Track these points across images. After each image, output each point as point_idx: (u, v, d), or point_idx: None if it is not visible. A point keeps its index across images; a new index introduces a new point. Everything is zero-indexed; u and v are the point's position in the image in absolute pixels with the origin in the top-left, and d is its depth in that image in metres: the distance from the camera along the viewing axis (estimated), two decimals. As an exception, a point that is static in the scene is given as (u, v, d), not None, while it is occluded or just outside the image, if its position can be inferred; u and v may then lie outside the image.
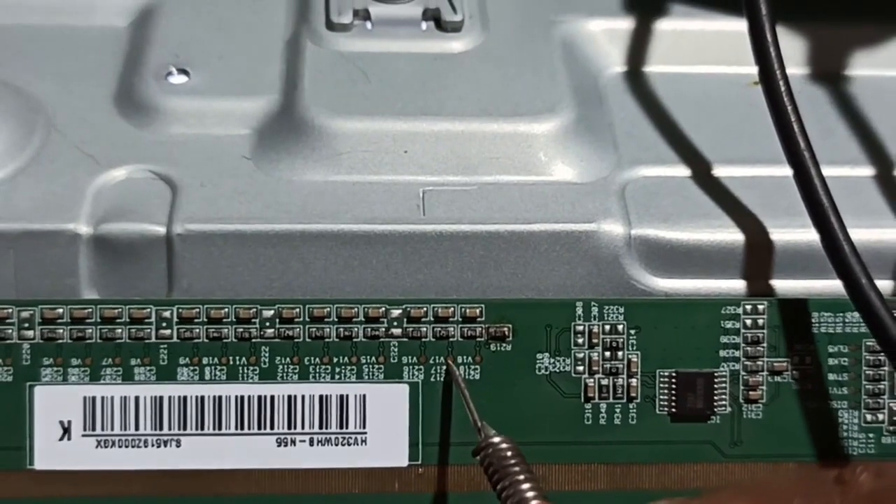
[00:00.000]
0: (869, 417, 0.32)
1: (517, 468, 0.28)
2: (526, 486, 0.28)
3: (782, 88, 0.32)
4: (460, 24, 0.36)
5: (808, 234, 0.32)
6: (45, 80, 0.35)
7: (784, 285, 0.33)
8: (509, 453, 0.29)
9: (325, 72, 0.35)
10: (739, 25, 0.35)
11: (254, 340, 0.31)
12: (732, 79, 0.37)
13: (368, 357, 0.32)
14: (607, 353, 0.32)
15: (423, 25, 0.37)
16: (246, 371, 0.31)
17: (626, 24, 0.38)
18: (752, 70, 0.35)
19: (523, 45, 0.37)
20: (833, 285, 0.32)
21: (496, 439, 0.29)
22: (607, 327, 0.32)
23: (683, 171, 0.34)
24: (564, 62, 0.36)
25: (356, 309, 0.31)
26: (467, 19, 0.37)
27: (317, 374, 0.31)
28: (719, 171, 0.34)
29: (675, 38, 0.38)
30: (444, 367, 0.31)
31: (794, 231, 0.33)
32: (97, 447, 0.31)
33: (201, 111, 0.35)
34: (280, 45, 0.37)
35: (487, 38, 0.37)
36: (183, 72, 0.35)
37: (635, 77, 0.37)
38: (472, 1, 0.37)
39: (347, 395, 0.31)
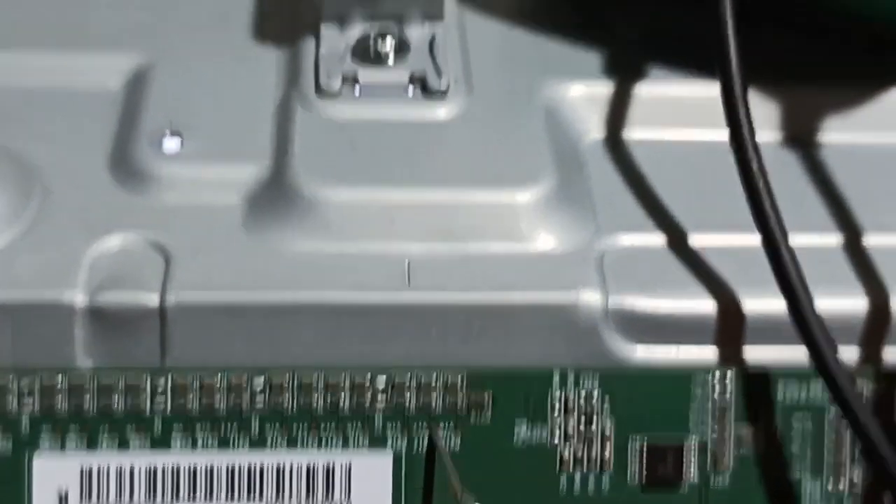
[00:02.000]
0: (830, 487, 0.33)
1: None
2: None
3: (752, 159, 0.34)
4: (445, 91, 0.38)
5: (779, 304, 0.33)
6: (40, 144, 0.36)
7: (755, 352, 0.34)
8: None
9: (315, 139, 0.36)
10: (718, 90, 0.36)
11: (244, 410, 0.33)
12: (711, 144, 0.38)
13: (354, 425, 0.33)
14: (583, 420, 0.33)
15: (410, 91, 0.38)
16: (237, 440, 0.33)
17: (606, 89, 0.39)
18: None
19: (507, 110, 0.38)
20: (803, 351, 0.33)
21: None
22: (583, 395, 0.33)
23: (660, 240, 0.35)
24: (546, 128, 0.37)
25: (343, 378, 0.33)
26: (452, 84, 0.38)
27: (304, 442, 0.33)
28: (695, 240, 0.35)
29: (654, 103, 0.39)
30: (427, 435, 0.33)
31: (765, 300, 0.34)
32: (93, 516, 0.32)
33: (194, 178, 0.36)
34: (271, 108, 0.38)
35: (472, 103, 0.38)
36: (177, 134, 0.36)
37: (615, 142, 0.38)
38: (457, 64, 0.38)
39: (333, 465, 0.33)
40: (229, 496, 0.32)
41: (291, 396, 0.33)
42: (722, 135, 0.37)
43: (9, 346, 0.33)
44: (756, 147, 0.34)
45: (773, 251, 0.33)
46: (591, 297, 0.34)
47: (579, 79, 0.39)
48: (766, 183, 0.33)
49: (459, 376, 0.33)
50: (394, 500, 0.33)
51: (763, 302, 0.34)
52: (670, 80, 0.39)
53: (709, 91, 0.38)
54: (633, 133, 0.39)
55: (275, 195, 0.35)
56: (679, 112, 0.39)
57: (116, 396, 0.33)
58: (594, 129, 0.39)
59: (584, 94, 0.39)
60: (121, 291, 0.33)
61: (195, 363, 0.33)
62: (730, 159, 0.36)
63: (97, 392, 0.32)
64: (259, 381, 0.33)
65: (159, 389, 0.32)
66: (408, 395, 0.33)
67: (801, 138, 0.39)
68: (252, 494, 0.32)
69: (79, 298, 0.33)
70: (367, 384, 0.33)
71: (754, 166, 0.34)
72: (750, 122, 0.34)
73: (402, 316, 0.33)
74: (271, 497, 0.32)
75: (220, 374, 0.33)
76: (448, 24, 0.39)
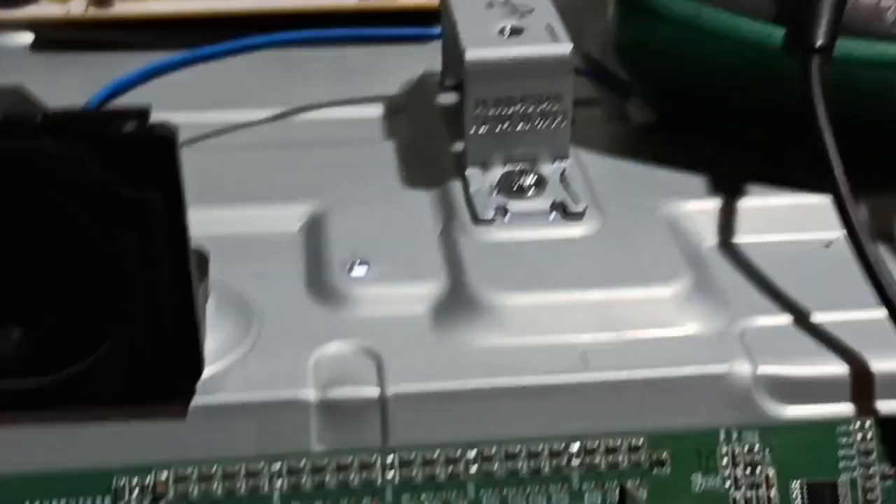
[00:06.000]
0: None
1: None
2: None
3: (864, 242, 0.40)
4: (582, 212, 0.44)
5: (900, 364, 0.40)
6: (246, 280, 0.42)
7: (887, 406, 0.40)
8: None
9: (480, 258, 0.42)
10: (806, 199, 0.45)
11: (461, 478, 0.38)
12: (806, 244, 0.45)
13: (555, 485, 0.38)
14: (749, 469, 0.39)
15: (551, 216, 0.44)
16: (456, 502, 0.38)
17: (713, 204, 0.46)
18: (823, 235, 0.43)
19: (635, 225, 0.44)
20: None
21: None
22: (746, 448, 0.39)
23: (788, 319, 0.42)
24: (672, 237, 0.44)
25: (542, 445, 0.38)
26: (587, 208, 0.44)
27: (514, 503, 0.38)
28: (817, 317, 0.42)
29: (755, 213, 0.46)
30: (618, 489, 0.38)
31: (889, 361, 0.40)
32: (339, 577, 0.37)
33: (385, 295, 0.42)
34: (433, 238, 0.44)
35: (605, 221, 0.44)
36: (364, 263, 0.42)
37: (728, 247, 0.45)
38: (586, 194, 0.45)
39: (539, 520, 0.38)
40: (455, 560, 0.38)
41: (500, 464, 0.38)
42: (813, 235, 0.44)
43: (254, 439, 0.38)
44: (865, 231, 0.40)
45: (889, 307, 0.39)
46: (741, 367, 0.40)
47: (690, 197, 0.46)
48: (880, 258, 0.40)
49: (642, 439, 0.39)
50: (593, 547, 0.38)
51: (887, 362, 0.40)
52: (766, 194, 0.46)
53: (797, 200, 0.45)
54: (741, 238, 0.45)
55: (457, 303, 0.41)
56: (775, 218, 0.45)
57: (352, 474, 0.38)
58: (710, 237, 0.45)
59: (698, 209, 0.45)
60: (346, 387, 0.39)
61: (412, 443, 0.38)
62: (825, 253, 0.43)
63: (335, 470, 0.38)
64: (472, 453, 0.38)
65: (388, 465, 0.38)
66: (598, 457, 0.39)
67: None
68: (474, 550, 0.38)
69: (311, 395, 0.38)
70: (563, 450, 0.38)
71: (864, 245, 0.40)
72: (857, 216, 0.40)
73: (584, 393, 0.39)
74: (491, 550, 0.38)
75: (438, 450, 0.38)
76: (571, 161, 0.46)
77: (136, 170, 0.35)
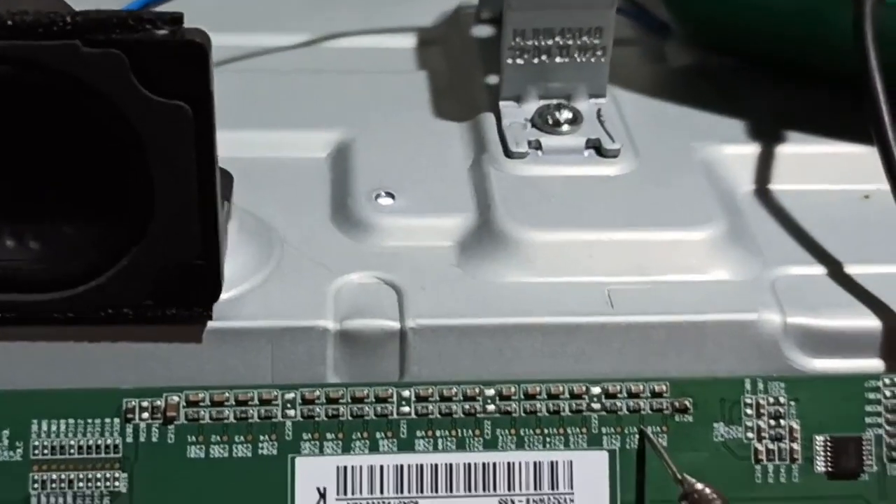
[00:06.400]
0: None
1: None
2: None
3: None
4: (618, 151, 0.43)
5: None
6: (270, 205, 0.42)
7: (917, 363, 0.39)
8: (714, 496, 0.35)
9: (511, 192, 0.41)
10: (847, 148, 0.43)
11: (478, 415, 0.37)
12: (845, 194, 0.44)
13: (574, 428, 0.37)
14: (772, 422, 0.38)
15: (586, 153, 0.43)
16: (472, 442, 0.37)
17: (752, 149, 0.45)
18: (862, 186, 0.42)
19: (670, 167, 0.43)
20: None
21: (699, 486, 0.35)
22: (771, 399, 0.38)
23: (821, 270, 0.41)
24: (707, 181, 0.43)
25: (563, 387, 0.38)
26: (622, 147, 0.43)
27: (531, 444, 0.37)
28: (850, 269, 0.41)
29: (792, 160, 0.44)
30: (637, 436, 0.37)
31: (923, 317, 0.39)
32: (349, 510, 0.37)
33: (410, 227, 0.41)
34: (464, 171, 0.43)
35: (640, 162, 0.43)
36: (389, 195, 0.42)
37: (763, 193, 0.44)
38: (621, 133, 0.44)
39: (557, 462, 0.37)
40: (467, 489, 0.37)
41: (519, 404, 0.37)
42: (853, 186, 0.43)
43: (269, 367, 0.38)
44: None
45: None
46: (770, 316, 0.39)
47: (728, 141, 0.44)
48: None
49: (664, 385, 0.38)
50: (611, 491, 0.37)
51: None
52: (806, 141, 0.45)
53: (836, 149, 0.44)
54: (778, 185, 0.44)
55: (484, 238, 0.40)
56: (813, 167, 0.44)
57: (367, 407, 0.37)
58: (745, 182, 0.44)
59: (735, 153, 0.44)
60: (366, 319, 0.38)
61: (429, 379, 0.38)
62: (863, 205, 0.41)
63: (350, 402, 0.37)
64: (490, 391, 0.37)
65: (404, 402, 0.37)
66: (619, 401, 0.38)
67: None
68: (486, 488, 0.37)
69: (330, 325, 0.38)
70: (584, 392, 0.38)
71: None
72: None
73: (608, 335, 0.38)
74: (503, 490, 0.37)
75: (456, 387, 0.37)
76: (608, 98, 0.45)
77: (167, 76, 0.34)
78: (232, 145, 0.43)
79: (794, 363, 0.39)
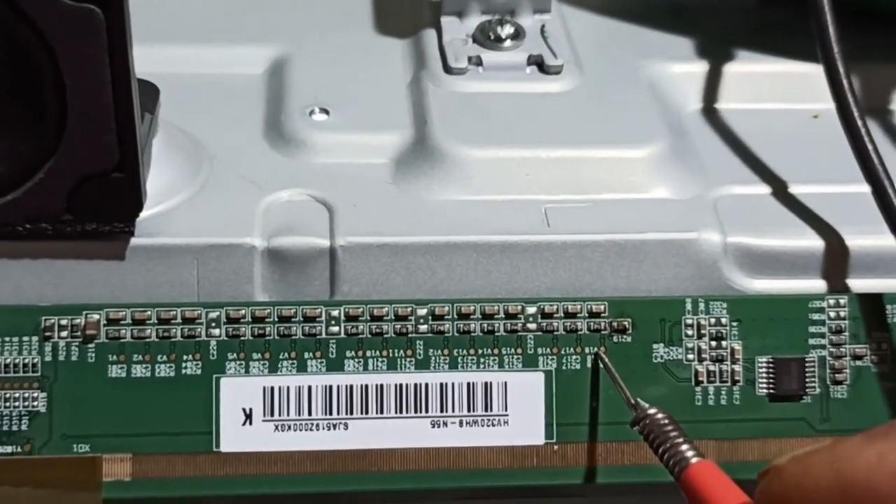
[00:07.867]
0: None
1: (675, 433, 0.33)
2: (685, 446, 0.33)
3: (856, 115, 0.38)
4: (560, 67, 0.42)
5: (879, 240, 0.37)
6: (200, 121, 0.40)
7: (859, 284, 0.38)
8: (666, 421, 0.34)
9: (449, 109, 0.40)
10: (797, 67, 0.42)
11: (410, 335, 0.36)
12: (793, 113, 0.43)
13: (508, 349, 0.36)
14: (713, 343, 0.37)
15: (528, 70, 0.42)
16: (404, 362, 0.36)
17: (700, 68, 0.43)
18: (811, 106, 0.41)
19: (615, 85, 0.42)
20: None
21: (652, 410, 0.34)
22: (713, 320, 0.37)
23: (765, 189, 0.40)
24: (653, 99, 0.41)
25: (497, 307, 0.36)
26: (565, 64, 0.42)
27: (464, 364, 0.36)
28: (795, 189, 0.39)
29: (741, 79, 0.43)
30: (592, 357, 0.36)
31: (866, 237, 0.38)
32: (275, 431, 0.36)
33: (345, 143, 0.40)
34: (402, 87, 0.42)
35: (584, 79, 0.42)
36: (324, 111, 0.40)
37: (711, 112, 0.43)
38: (565, 49, 0.43)
39: (491, 383, 0.36)
40: (398, 411, 0.36)
41: (452, 323, 0.36)
42: (802, 105, 0.42)
43: (194, 285, 0.36)
44: (858, 104, 0.38)
45: (878, 188, 0.37)
46: (710, 236, 0.38)
47: (676, 59, 0.43)
48: (869, 133, 0.37)
49: (602, 306, 0.37)
50: (546, 413, 0.36)
51: (863, 238, 0.38)
52: (755, 60, 0.43)
53: (787, 68, 0.43)
54: (726, 104, 0.43)
55: (420, 155, 0.39)
56: (762, 86, 0.43)
57: (294, 326, 0.36)
58: (693, 101, 0.43)
59: (683, 71, 0.43)
60: (295, 237, 0.37)
61: (360, 297, 0.37)
62: (812, 125, 0.40)
63: (278, 321, 0.36)
64: (422, 311, 0.36)
65: (333, 321, 0.36)
66: (556, 321, 0.37)
67: (875, 109, 0.43)
68: (419, 409, 0.36)
69: (258, 242, 0.37)
70: (519, 312, 0.36)
71: (857, 118, 0.38)
72: (850, 80, 0.38)
73: (543, 253, 0.37)
74: (436, 411, 0.36)
75: (387, 306, 0.36)
76: (553, 15, 0.44)
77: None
78: (165, 61, 0.42)
79: (734, 283, 0.38)
